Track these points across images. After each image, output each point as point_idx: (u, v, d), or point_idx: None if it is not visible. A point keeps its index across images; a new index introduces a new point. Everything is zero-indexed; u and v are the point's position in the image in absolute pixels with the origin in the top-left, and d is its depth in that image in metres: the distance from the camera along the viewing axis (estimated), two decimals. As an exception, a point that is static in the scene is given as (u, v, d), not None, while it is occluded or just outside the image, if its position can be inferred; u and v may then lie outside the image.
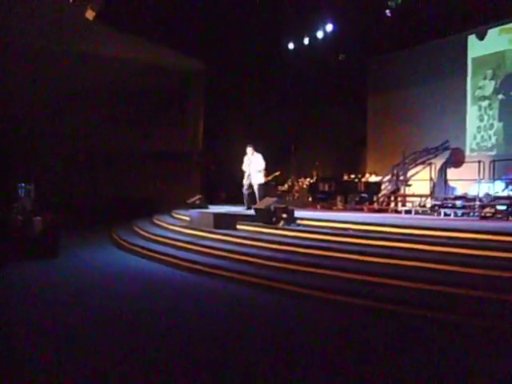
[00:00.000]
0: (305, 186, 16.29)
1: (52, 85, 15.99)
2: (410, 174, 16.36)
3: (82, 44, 15.53)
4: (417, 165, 16.19)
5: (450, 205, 13.09)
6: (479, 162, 13.61)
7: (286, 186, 16.52)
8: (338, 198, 15.43)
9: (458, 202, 12.95)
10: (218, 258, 8.60)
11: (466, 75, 15.11)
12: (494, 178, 13.42)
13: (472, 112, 14.98)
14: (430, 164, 15.64)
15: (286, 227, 9.51)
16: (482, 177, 13.44)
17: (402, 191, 16.00)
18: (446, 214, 12.58)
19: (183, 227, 11.28)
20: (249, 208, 11.91)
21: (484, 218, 11.70)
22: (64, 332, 5.06)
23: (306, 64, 16.70)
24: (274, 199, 10.84)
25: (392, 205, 15.74)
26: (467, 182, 13.74)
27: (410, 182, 15.93)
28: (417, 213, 13.33)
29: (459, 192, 14.01)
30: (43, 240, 9.56)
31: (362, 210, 14.73)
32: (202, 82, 18.75)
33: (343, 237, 8.32)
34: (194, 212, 11.64)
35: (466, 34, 15.00)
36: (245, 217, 10.62)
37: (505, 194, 12.42)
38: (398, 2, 13.56)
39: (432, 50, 15.61)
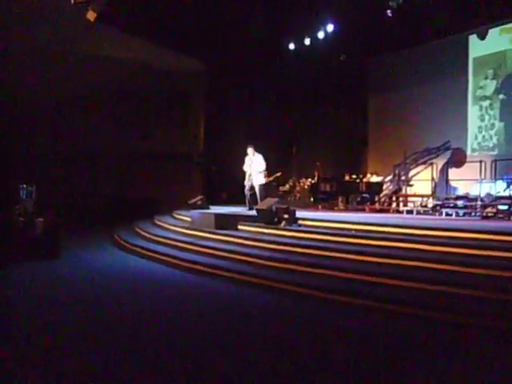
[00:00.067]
0: (306, 187, 16.27)
1: (53, 85, 16.01)
2: (411, 174, 16.35)
3: (82, 45, 15.56)
4: (418, 165, 16.18)
5: (451, 205, 13.08)
6: (480, 161, 13.60)
7: (287, 186, 16.50)
8: (340, 199, 15.41)
9: (460, 202, 12.94)
10: (219, 259, 8.60)
11: (467, 75, 15.11)
12: (495, 177, 13.41)
13: (473, 112, 14.97)
14: (432, 164, 15.64)
15: (288, 228, 9.51)
16: (483, 177, 13.43)
17: (403, 191, 15.99)
18: (447, 214, 12.57)
19: (184, 228, 11.28)
20: (250, 208, 11.91)
21: (486, 217, 11.69)
22: (64, 332, 5.07)
23: (307, 64, 16.70)
24: (276, 200, 10.83)
25: (393, 205, 15.73)
26: (469, 181, 13.74)
27: (411, 182, 15.92)
28: (418, 213, 13.32)
29: (461, 192, 14.00)
30: (44, 241, 9.56)
31: (363, 210, 14.73)
32: (203, 82, 18.76)
33: (343, 237, 8.32)
34: (196, 213, 11.64)
35: (466, 34, 14.99)
36: (246, 217, 10.62)
37: (506, 193, 12.41)
38: (398, 2, 13.56)
39: (433, 50, 15.60)
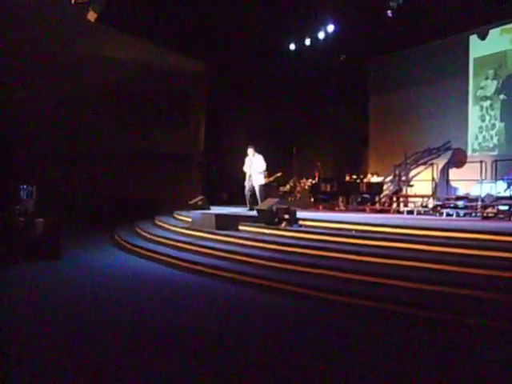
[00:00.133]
0: (306, 187, 16.25)
1: (53, 86, 16.03)
2: (411, 174, 16.35)
3: (83, 45, 15.56)
4: (419, 165, 16.17)
5: (452, 205, 13.08)
6: (481, 162, 13.60)
7: (287, 186, 16.48)
8: (340, 199, 15.41)
9: (460, 203, 12.94)
10: (220, 259, 8.60)
11: (467, 75, 15.10)
12: (495, 178, 13.41)
13: (474, 112, 14.96)
14: (432, 164, 15.63)
15: (288, 228, 9.51)
16: (483, 177, 13.42)
17: (403, 191, 15.99)
18: (448, 215, 12.56)
19: (185, 228, 11.29)
20: (251, 209, 11.92)
21: (486, 218, 11.69)
22: (65, 333, 5.07)
23: (308, 65, 16.70)
24: (276, 200, 10.83)
25: (394, 205, 15.73)
26: (469, 182, 13.74)
27: (411, 183, 15.91)
28: (419, 213, 13.31)
29: (461, 192, 14.00)
30: (45, 241, 9.56)
31: (364, 210, 14.73)
32: (203, 82, 18.76)
33: (344, 237, 8.32)
34: (196, 213, 11.65)
35: (467, 34, 14.99)
36: (247, 218, 10.63)
37: (507, 194, 12.41)
38: (399, 3, 13.55)
39: (433, 50, 15.59)
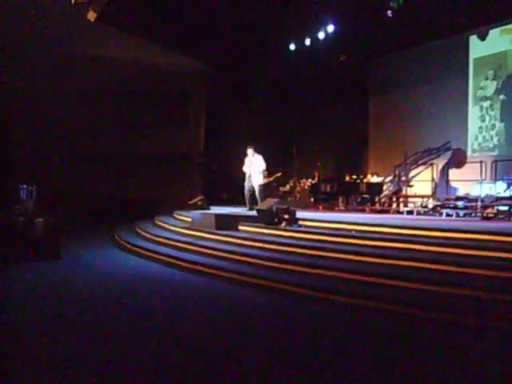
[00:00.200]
0: (306, 187, 16.28)
1: (54, 86, 16.03)
2: (411, 174, 16.35)
3: (83, 45, 15.56)
4: (418, 165, 16.18)
5: (451, 205, 13.08)
6: (481, 162, 13.60)
7: (287, 186, 16.50)
8: (340, 199, 15.42)
9: (460, 203, 12.94)
10: (220, 259, 8.61)
11: (467, 76, 15.11)
12: (495, 178, 13.41)
13: (474, 112, 14.97)
14: (432, 164, 15.64)
15: (288, 228, 9.51)
16: (483, 177, 13.42)
17: (403, 192, 15.99)
18: (447, 215, 12.57)
19: (185, 228, 11.29)
20: (251, 209, 11.92)
21: (486, 218, 11.69)
22: (65, 333, 5.07)
23: (308, 65, 16.71)
24: (276, 200, 10.84)
25: (394, 205, 15.74)
26: (469, 182, 13.74)
27: (411, 183, 15.92)
28: (419, 213, 13.32)
29: (461, 192, 14.01)
30: (45, 241, 9.56)
31: (363, 210, 14.73)
32: (203, 83, 18.76)
33: (343, 237, 8.33)
34: (196, 213, 11.65)
35: (467, 35, 15.00)
36: (246, 218, 10.63)
37: (507, 194, 12.41)
38: (399, 3, 13.56)
39: (433, 51, 15.60)
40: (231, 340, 4.91)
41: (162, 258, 9.47)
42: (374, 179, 15.96)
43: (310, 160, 17.33)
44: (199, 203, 12.79)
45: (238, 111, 18.54)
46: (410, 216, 12.97)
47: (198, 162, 18.89)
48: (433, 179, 15.47)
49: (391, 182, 16.64)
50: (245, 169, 12.41)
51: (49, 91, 16.02)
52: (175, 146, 18.53)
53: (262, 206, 10.72)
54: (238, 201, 14.09)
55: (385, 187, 16.37)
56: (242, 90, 18.05)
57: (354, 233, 8.56)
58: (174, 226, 11.92)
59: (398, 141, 16.62)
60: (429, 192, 15.16)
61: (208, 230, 10.30)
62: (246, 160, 12.40)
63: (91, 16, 14.04)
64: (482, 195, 12.48)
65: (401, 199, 15.90)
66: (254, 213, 10.79)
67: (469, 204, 12.70)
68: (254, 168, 12.23)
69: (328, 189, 15.38)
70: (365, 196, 15.53)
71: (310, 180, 16.41)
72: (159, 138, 18.40)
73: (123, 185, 17.68)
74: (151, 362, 4.26)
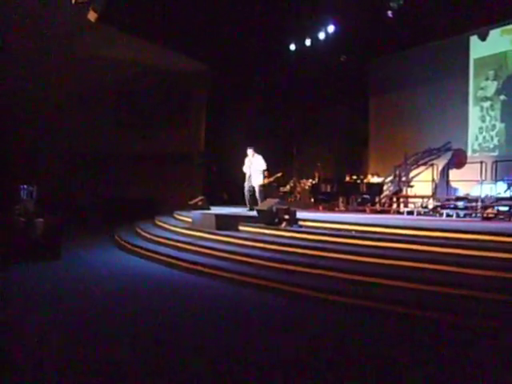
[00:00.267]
0: (307, 187, 16.28)
1: (54, 86, 16.03)
2: (412, 174, 16.36)
3: (83, 45, 15.57)
4: (419, 166, 16.18)
5: (452, 206, 13.08)
6: (481, 162, 13.60)
7: (287, 187, 16.50)
8: (340, 199, 15.42)
9: (460, 203, 12.94)
10: (220, 259, 8.60)
11: (467, 76, 15.11)
12: (496, 178, 13.41)
13: (474, 113, 14.97)
14: (432, 165, 15.64)
15: (288, 228, 9.51)
16: (484, 178, 13.42)
17: (404, 192, 15.99)
18: (448, 215, 12.57)
19: (185, 228, 11.29)
20: (251, 209, 11.92)
21: (486, 218, 11.69)
22: (65, 333, 5.07)
23: (308, 65, 16.70)
24: (276, 200, 10.83)
25: (394, 206, 15.73)
26: (469, 182, 13.74)
27: (412, 183, 15.92)
28: (419, 214, 13.32)
29: (461, 193, 14.00)
30: (45, 242, 9.56)
31: (364, 211, 14.73)
32: (204, 83, 18.77)
33: (343, 238, 8.32)
34: (196, 213, 11.65)
35: (467, 35, 15.00)
36: (247, 218, 10.63)
37: (507, 194, 12.41)
38: (399, 3, 13.57)
39: (434, 51, 15.60)
40: (232, 340, 4.91)
41: (162, 258, 9.47)
42: (375, 179, 15.96)
43: (310, 160, 17.33)
44: (199, 203, 12.78)
45: (238, 111, 18.54)
46: (410, 216, 12.97)
47: (199, 162, 18.89)
48: (433, 179, 15.47)
49: (391, 182, 16.64)
50: (245, 169, 12.41)
51: (49, 91, 16.02)
52: (176, 146, 18.53)
53: (262, 206, 10.72)
54: (239, 201, 14.09)
55: (385, 187, 16.37)
56: (243, 90, 18.05)
57: (354, 233, 8.56)
58: (175, 226, 11.92)
59: (398, 141, 16.62)
60: (429, 192, 15.16)
61: (208, 230, 10.30)
62: (246, 160, 12.40)
63: (92, 16, 14.05)
64: (483, 196, 12.47)
65: (401, 199, 15.89)
66: (254, 213, 10.79)
67: (469, 204, 12.70)
68: (255, 168, 12.23)
69: (328, 189, 15.38)
70: (365, 196, 15.52)
71: (310, 180, 16.41)
72: (160, 139, 18.40)
73: (123, 185, 17.67)
74: (151, 361, 4.26)
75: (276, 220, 9.81)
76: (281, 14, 14.59)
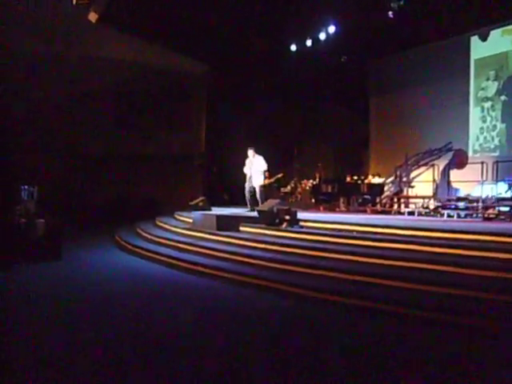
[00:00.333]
0: (307, 188, 16.27)
1: (54, 87, 16.03)
2: (412, 175, 16.34)
3: (84, 46, 15.58)
4: (420, 166, 16.16)
5: (452, 206, 13.06)
6: (482, 163, 13.58)
7: (288, 187, 16.49)
8: (341, 200, 15.42)
9: (461, 204, 12.92)
10: (221, 260, 8.60)
11: (468, 76, 15.10)
12: (497, 179, 13.39)
13: (475, 113, 14.96)
14: (433, 165, 15.62)
15: (289, 229, 9.50)
16: (484, 178, 13.40)
17: (404, 193, 15.97)
18: (449, 216, 12.55)
19: (186, 229, 11.29)
20: (252, 210, 11.91)
21: (487, 219, 11.67)
22: (66, 334, 5.07)
23: (309, 66, 16.70)
24: (277, 201, 10.82)
25: (395, 206, 15.72)
26: (470, 183, 13.72)
27: (412, 184, 15.90)
28: (420, 214, 13.30)
29: (462, 193, 13.99)
30: (46, 242, 9.56)
31: (364, 211, 14.71)
32: (204, 83, 18.78)
33: (344, 238, 8.31)
34: (197, 214, 11.65)
35: (468, 35, 14.98)
36: (248, 218, 10.62)
37: (508, 195, 12.40)
38: (400, 4, 13.56)
39: (434, 52, 15.58)
40: (232, 340, 4.91)
41: (162, 258, 9.47)
42: (375, 180, 15.95)
43: (311, 161, 17.32)
44: (200, 204, 12.78)
45: (238, 112, 18.54)
46: (411, 217, 12.95)
47: (199, 162, 18.89)
48: (434, 180, 15.46)
49: (392, 182, 16.63)
50: (245, 170, 12.40)
51: (50, 92, 16.01)
52: (176, 147, 18.53)
53: (263, 206, 10.71)
54: (239, 201, 14.08)
55: (386, 188, 16.36)
56: (243, 90, 18.06)
57: (355, 234, 8.55)
58: (175, 226, 11.92)
59: (399, 142, 16.60)
60: (430, 193, 15.14)
61: (209, 230, 10.29)
62: (247, 161, 12.39)
63: (92, 17, 14.09)
64: (483, 196, 12.46)
65: (402, 200, 15.87)
66: (255, 214, 10.78)
67: (470, 205, 12.69)
68: (255, 169, 12.22)
69: (329, 190, 15.38)
70: (366, 197, 15.51)
71: (311, 181, 16.40)
72: (160, 139, 18.40)
73: (124, 185, 17.65)
74: (151, 362, 4.25)
75: (277, 220, 9.80)
76: (281, 14, 14.60)
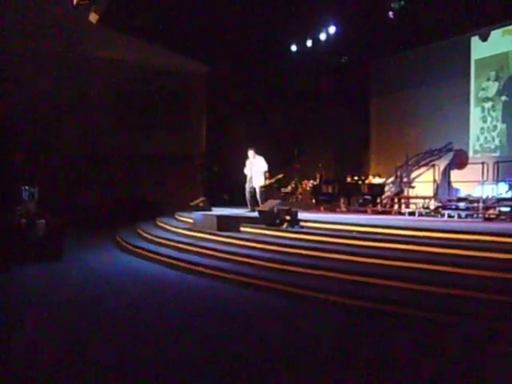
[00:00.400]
0: (308, 188, 16.27)
1: (55, 87, 16.04)
2: (413, 175, 16.34)
3: (84, 46, 15.58)
4: (420, 166, 16.17)
5: (453, 206, 13.06)
6: (483, 163, 13.59)
7: (289, 188, 16.49)
8: (342, 200, 15.42)
9: (462, 204, 12.93)
10: (221, 260, 8.60)
11: (469, 77, 15.11)
12: (497, 179, 13.39)
13: (475, 113, 14.96)
14: (434, 166, 15.63)
15: (290, 229, 9.50)
16: (485, 178, 13.41)
17: (405, 193, 15.98)
18: (449, 216, 12.55)
19: (186, 229, 11.29)
20: (252, 210, 11.91)
21: (488, 219, 11.67)
22: (66, 334, 5.07)
23: (309, 66, 16.71)
24: (278, 201, 10.82)
25: (395, 207, 15.72)
26: (471, 183, 13.73)
27: (413, 184, 15.91)
28: (420, 215, 13.30)
29: (463, 194, 13.99)
30: (47, 243, 9.56)
31: (365, 211, 14.71)
32: (205, 84, 18.78)
33: (345, 239, 8.31)
34: (198, 214, 11.65)
35: (468, 36, 15.00)
36: (248, 219, 10.62)
37: (508, 195, 12.40)
38: (400, 4, 13.57)
39: (435, 52, 15.59)
40: (232, 340, 4.91)
41: (163, 259, 9.47)
42: (376, 180, 15.95)
43: (311, 161, 17.33)
44: (201, 204, 12.78)
45: (239, 113, 18.54)
46: (411, 217, 12.94)
47: (200, 163, 18.89)
48: (434, 180, 15.46)
49: (393, 183, 16.64)
50: (246, 171, 12.39)
51: (51, 92, 16.02)
52: (177, 147, 18.53)
53: (263, 207, 10.70)
54: (240, 202, 14.08)
55: (386, 188, 16.36)
56: (244, 91, 18.05)
57: (355, 234, 8.55)
58: (176, 227, 11.92)
59: (399, 142, 16.61)
60: (430, 193, 15.14)
61: (210, 231, 10.29)
62: (247, 162, 12.38)
63: (93, 18, 14.08)
64: (484, 196, 12.46)
65: (402, 200, 15.87)
66: (255, 214, 10.78)
67: (470, 205, 12.69)
68: (256, 170, 12.22)
69: (330, 190, 15.38)
70: (366, 197, 15.52)
71: (311, 181, 16.40)
72: (161, 140, 18.39)
73: (125, 186, 17.66)
74: (151, 362, 4.26)
75: (277, 221, 9.79)
76: (282, 14, 14.59)
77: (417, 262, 6.65)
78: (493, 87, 14.54)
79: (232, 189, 16.95)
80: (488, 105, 14.64)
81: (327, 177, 16.80)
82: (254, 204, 12.09)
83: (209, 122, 18.93)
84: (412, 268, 6.58)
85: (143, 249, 10.51)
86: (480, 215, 12.09)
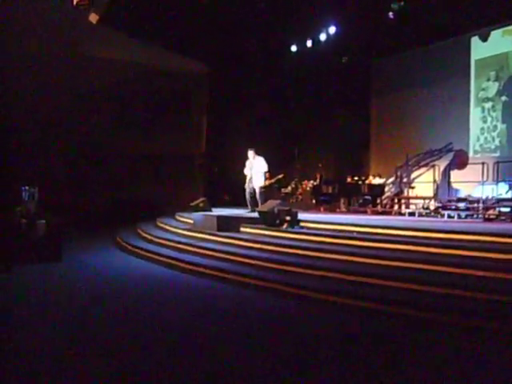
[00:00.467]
0: (308, 189, 16.28)
1: (56, 87, 16.05)
2: (413, 176, 16.35)
3: (85, 47, 15.58)
4: (420, 167, 16.18)
5: (453, 207, 13.06)
6: (483, 163, 13.60)
7: (289, 188, 16.50)
8: (342, 201, 15.42)
9: (462, 204, 12.93)
10: (221, 261, 8.60)
11: (469, 77, 15.11)
12: (497, 179, 13.39)
13: (475, 113, 14.97)
14: (434, 166, 15.63)
15: (290, 230, 9.50)
16: (485, 179, 13.41)
17: (405, 193, 15.98)
18: (449, 216, 12.55)
19: (186, 230, 11.28)
20: (252, 211, 11.91)
21: (488, 220, 11.67)
22: (66, 334, 5.07)
23: (309, 66, 16.71)
24: (278, 202, 10.81)
25: (395, 207, 15.72)
26: (471, 183, 13.74)
27: (413, 184, 15.92)
28: (420, 215, 13.30)
29: (463, 194, 13.99)
30: (47, 243, 9.56)
31: (365, 212, 14.71)
32: (205, 84, 18.78)
33: (345, 239, 8.31)
34: (198, 214, 11.64)
35: (469, 36, 15.00)
36: (248, 219, 10.62)
37: (508, 195, 12.40)
38: (400, 5, 13.57)
39: (435, 52, 15.60)
40: (232, 341, 4.91)
41: (163, 259, 9.46)
42: (376, 181, 15.96)
43: (311, 162, 17.34)
44: (201, 205, 12.78)
45: (239, 113, 18.54)
46: (411, 218, 12.94)
47: (200, 163, 18.89)
48: (434, 181, 15.46)
49: (393, 183, 16.64)
50: (246, 171, 12.39)
51: (51, 93, 16.03)
52: (177, 147, 18.53)
53: (263, 207, 10.70)
54: (240, 202, 14.08)
55: (386, 189, 16.37)
56: (244, 91, 18.06)
57: (355, 234, 8.55)
58: (176, 227, 11.91)
59: (399, 142, 16.62)
60: (430, 193, 15.15)
61: (210, 231, 10.29)
62: (247, 162, 12.38)
63: (93, 18, 14.07)
64: (484, 197, 12.46)
65: (402, 201, 15.87)
66: (255, 214, 10.78)
67: (470, 205, 12.69)
68: (256, 170, 12.22)
69: (330, 190, 15.38)
70: (366, 198, 15.53)
71: (311, 181, 16.41)
72: (161, 140, 18.39)
73: (125, 186, 17.67)
74: (151, 362, 4.25)
75: (277, 221, 9.79)
76: (282, 15, 14.60)
77: (417, 262, 6.65)
78: (493, 87, 14.54)
79: (232, 189, 16.97)
80: (488, 105, 14.65)
81: (327, 177, 16.80)
82: (255, 204, 12.09)
83: (209, 122, 18.92)
84: (412, 268, 6.58)
85: (143, 249, 10.50)
86: (480, 215, 12.09)
